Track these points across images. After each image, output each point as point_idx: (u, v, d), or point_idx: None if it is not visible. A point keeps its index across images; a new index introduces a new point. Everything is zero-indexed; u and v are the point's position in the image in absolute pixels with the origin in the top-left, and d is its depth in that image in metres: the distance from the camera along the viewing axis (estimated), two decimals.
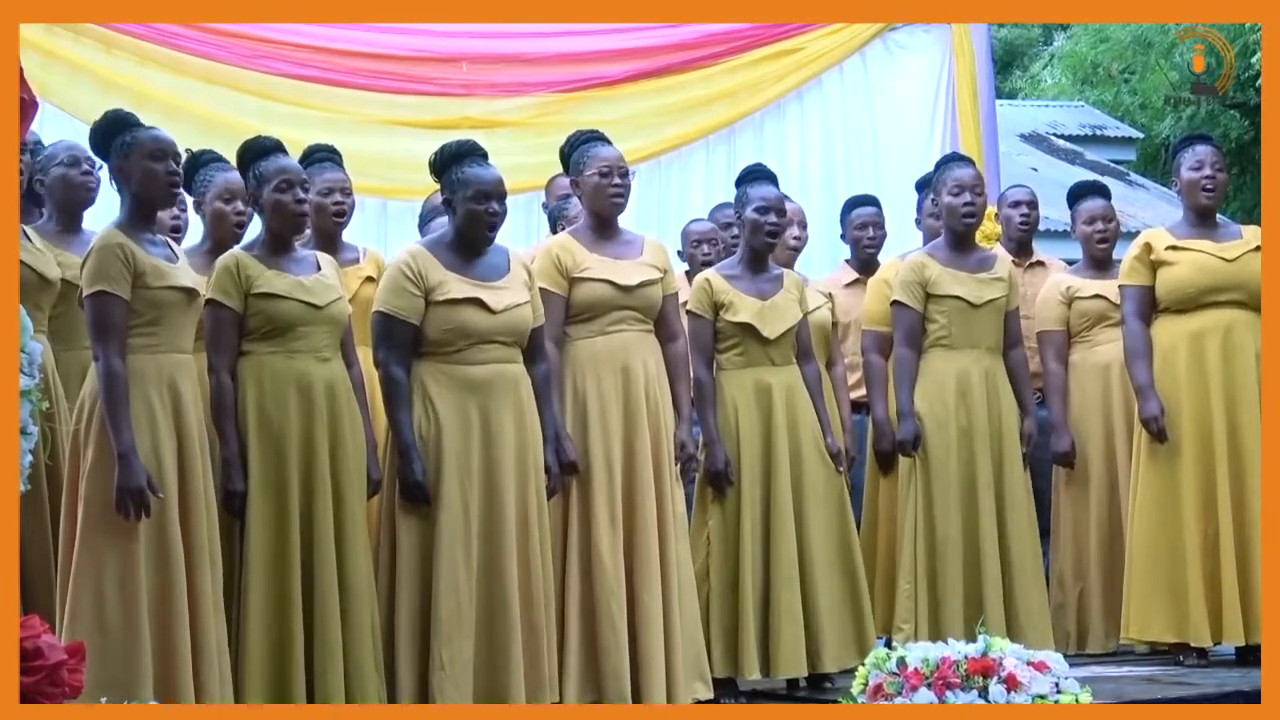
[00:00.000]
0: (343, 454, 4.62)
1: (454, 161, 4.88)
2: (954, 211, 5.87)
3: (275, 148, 4.77)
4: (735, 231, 5.97)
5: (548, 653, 4.81)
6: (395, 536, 4.74)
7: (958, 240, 5.92)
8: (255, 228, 5.04)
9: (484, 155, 4.94)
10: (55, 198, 5.04)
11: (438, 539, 4.68)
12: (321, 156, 5.43)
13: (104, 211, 4.89)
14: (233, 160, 4.98)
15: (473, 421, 4.75)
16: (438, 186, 4.99)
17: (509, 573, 4.71)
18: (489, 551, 4.71)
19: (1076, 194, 6.59)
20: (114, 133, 4.44)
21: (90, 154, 4.98)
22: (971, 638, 4.15)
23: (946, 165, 6.05)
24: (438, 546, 4.67)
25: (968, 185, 5.86)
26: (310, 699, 4.44)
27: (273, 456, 4.53)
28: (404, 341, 4.80)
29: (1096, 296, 6.28)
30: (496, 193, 4.86)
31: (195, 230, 5.46)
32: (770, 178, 5.64)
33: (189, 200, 5.22)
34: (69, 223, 5.05)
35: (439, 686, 4.60)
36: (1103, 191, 6.59)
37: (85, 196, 5.07)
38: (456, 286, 4.80)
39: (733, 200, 5.79)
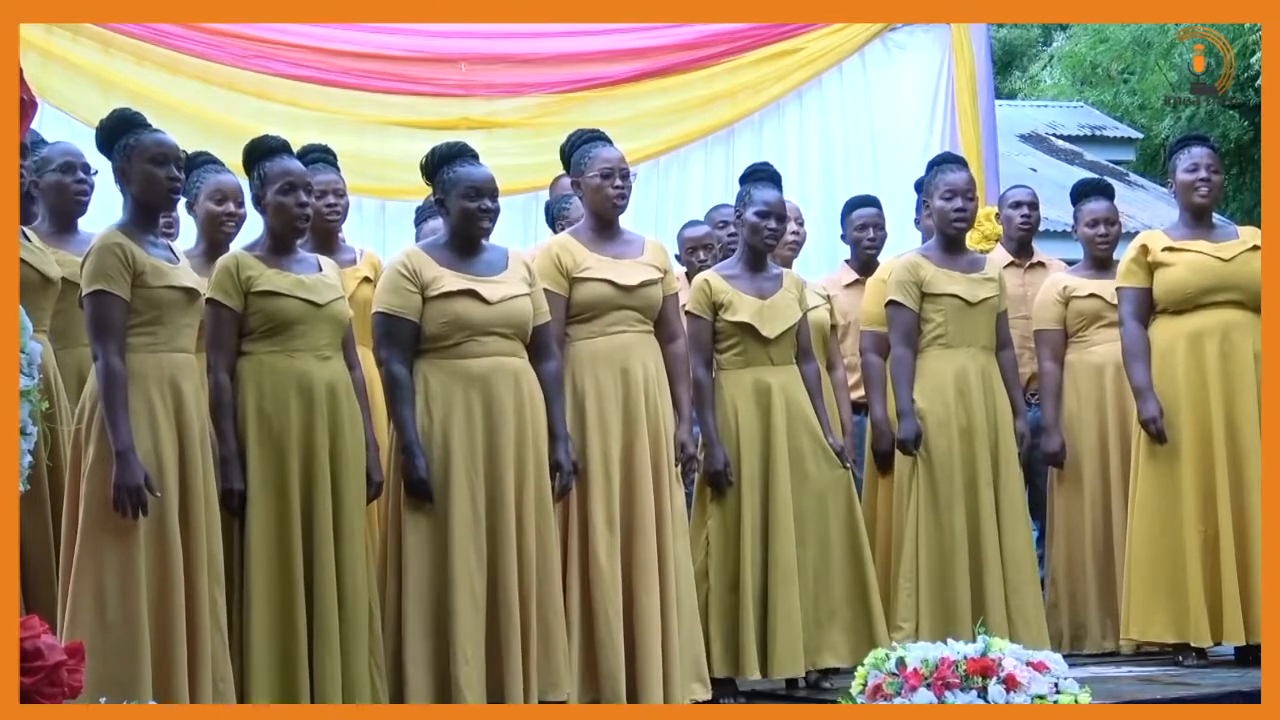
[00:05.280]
0: (342, 454, 4.62)
1: (444, 163, 4.90)
2: (945, 216, 5.88)
3: (281, 148, 4.77)
4: (733, 230, 5.98)
5: (561, 647, 4.82)
6: (401, 535, 4.75)
7: (949, 242, 5.93)
8: (250, 229, 5.05)
9: (474, 155, 4.95)
10: (49, 202, 5.04)
11: (450, 534, 4.68)
12: (315, 158, 5.44)
13: (103, 211, 4.89)
14: (229, 159, 4.97)
15: (475, 414, 4.76)
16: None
17: (510, 566, 4.71)
18: (491, 545, 4.72)
19: (1080, 193, 6.59)
20: (119, 133, 4.44)
21: (85, 160, 4.98)
22: (972, 637, 4.15)
23: (939, 167, 6.02)
24: (450, 542, 4.68)
25: (960, 190, 5.86)
26: (310, 698, 4.44)
27: (273, 456, 4.53)
28: (404, 339, 4.81)
29: (1092, 296, 6.30)
30: (488, 189, 4.88)
31: (188, 232, 5.46)
32: (774, 179, 5.64)
33: (181, 201, 5.19)
34: (64, 225, 5.05)
35: (465, 681, 4.60)
36: (1106, 191, 6.58)
37: (79, 203, 5.07)
38: (451, 280, 4.82)
39: (732, 199, 5.79)
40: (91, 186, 5.07)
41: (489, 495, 4.74)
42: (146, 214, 4.43)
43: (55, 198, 5.02)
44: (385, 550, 4.81)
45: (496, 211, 4.92)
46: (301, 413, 4.56)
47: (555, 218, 6.23)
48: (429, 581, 4.69)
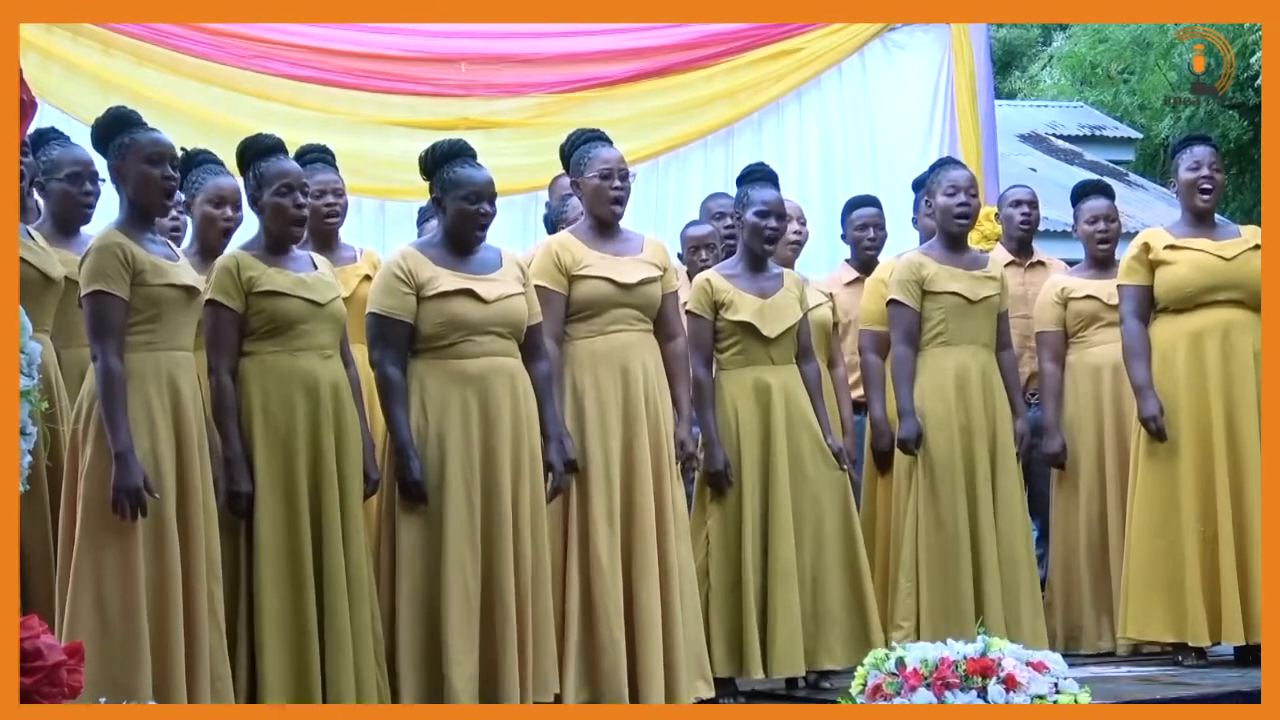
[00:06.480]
0: (346, 452, 4.62)
1: (445, 161, 4.89)
2: (948, 212, 5.88)
3: (276, 147, 4.76)
4: (729, 223, 5.99)
5: (550, 647, 4.82)
6: (395, 536, 4.75)
7: (951, 240, 5.94)
8: (245, 231, 5.04)
9: (474, 155, 4.94)
10: (53, 208, 5.03)
11: (444, 535, 4.68)
12: (314, 158, 5.43)
13: (103, 208, 4.87)
14: (229, 159, 4.97)
15: (471, 415, 4.76)
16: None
17: (506, 567, 4.71)
18: (487, 546, 4.72)
19: (1080, 193, 6.61)
20: (115, 131, 4.43)
21: (95, 169, 4.96)
22: (972, 635, 4.15)
23: (941, 167, 6.09)
24: (445, 542, 4.68)
25: (962, 186, 5.88)
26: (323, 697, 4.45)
27: (280, 456, 4.53)
28: (398, 341, 4.80)
29: (1089, 297, 6.31)
30: (488, 193, 4.87)
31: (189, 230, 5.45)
32: (772, 179, 5.64)
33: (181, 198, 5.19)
34: (65, 228, 5.04)
35: (457, 683, 4.60)
36: (1106, 191, 6.60)
37: (83, 215, 5.05)
38: (448, 280, 4.81)
39: (731, 197, 5.80)
40: (98, 196, 5.05)
41: (485, 497, 4.73)
42: (143, 213, 4.43)
43: (59, 205, 5.00)
44: (379, 550, 4.80)
45: (493, 216, 4.91)
46: (308, 412, 4.56)
47: (555, 223, 6.23)
48: (423, 582, 4.69)
